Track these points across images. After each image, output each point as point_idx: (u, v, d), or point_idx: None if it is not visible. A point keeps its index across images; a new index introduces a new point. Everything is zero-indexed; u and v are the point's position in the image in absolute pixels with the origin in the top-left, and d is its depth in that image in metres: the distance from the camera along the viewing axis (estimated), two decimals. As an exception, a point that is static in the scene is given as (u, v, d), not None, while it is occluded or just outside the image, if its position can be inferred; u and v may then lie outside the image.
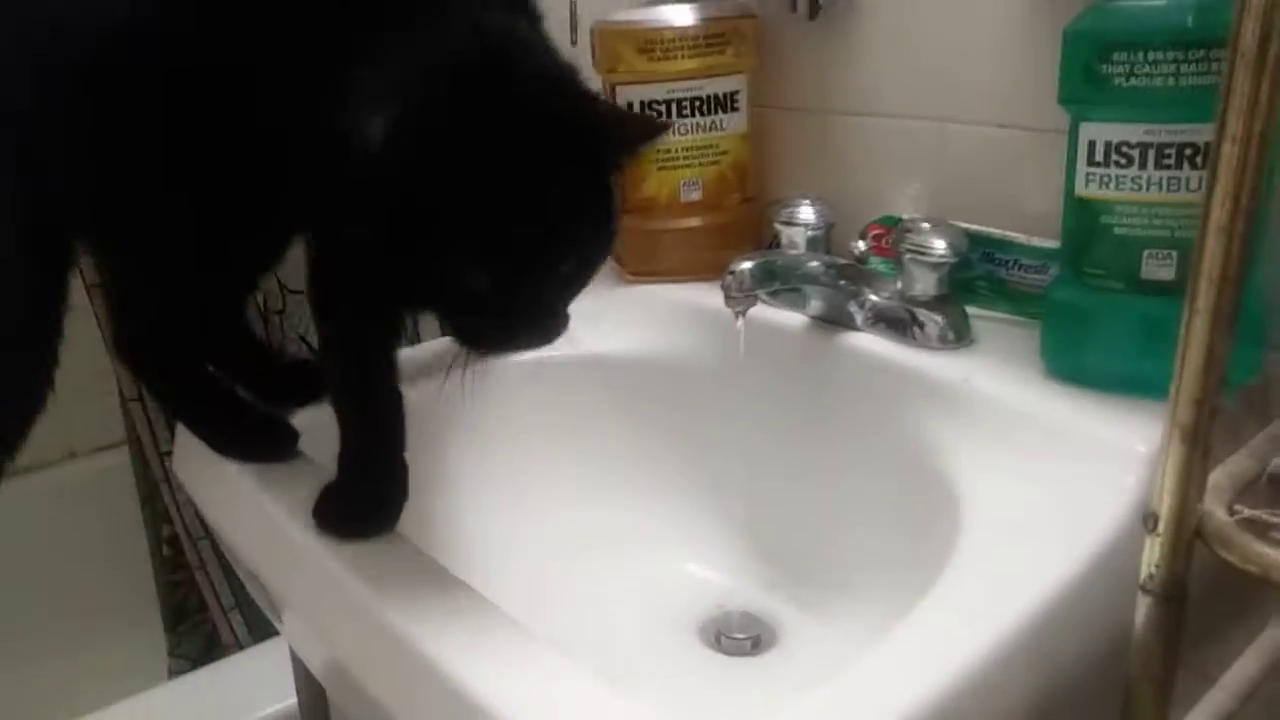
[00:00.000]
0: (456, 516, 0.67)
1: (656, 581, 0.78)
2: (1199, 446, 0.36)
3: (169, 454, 1.06)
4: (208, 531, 1.09)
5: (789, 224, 0.78)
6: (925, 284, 0.70)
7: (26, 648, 1.48)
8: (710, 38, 0.82)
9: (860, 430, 0.71)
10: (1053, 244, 0.67)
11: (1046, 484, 0.56)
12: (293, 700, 0.95)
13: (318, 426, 0.66)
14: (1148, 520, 0.38)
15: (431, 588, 0.50)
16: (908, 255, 0.70)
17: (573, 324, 0.52)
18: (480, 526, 0.71)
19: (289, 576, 0.58)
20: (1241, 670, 0.50)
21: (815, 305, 0.76)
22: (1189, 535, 0.37)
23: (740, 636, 0.73)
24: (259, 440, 0.63)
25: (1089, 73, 0.56)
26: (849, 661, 0.44)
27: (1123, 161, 0.57)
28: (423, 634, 0.46)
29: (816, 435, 0.74)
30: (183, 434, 0.69)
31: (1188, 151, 0.55)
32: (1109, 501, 0.53)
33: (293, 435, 0.63)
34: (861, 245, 0.78)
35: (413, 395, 0.59)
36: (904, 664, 0.44)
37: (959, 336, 0.70)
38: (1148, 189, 0.57)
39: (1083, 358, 0.62)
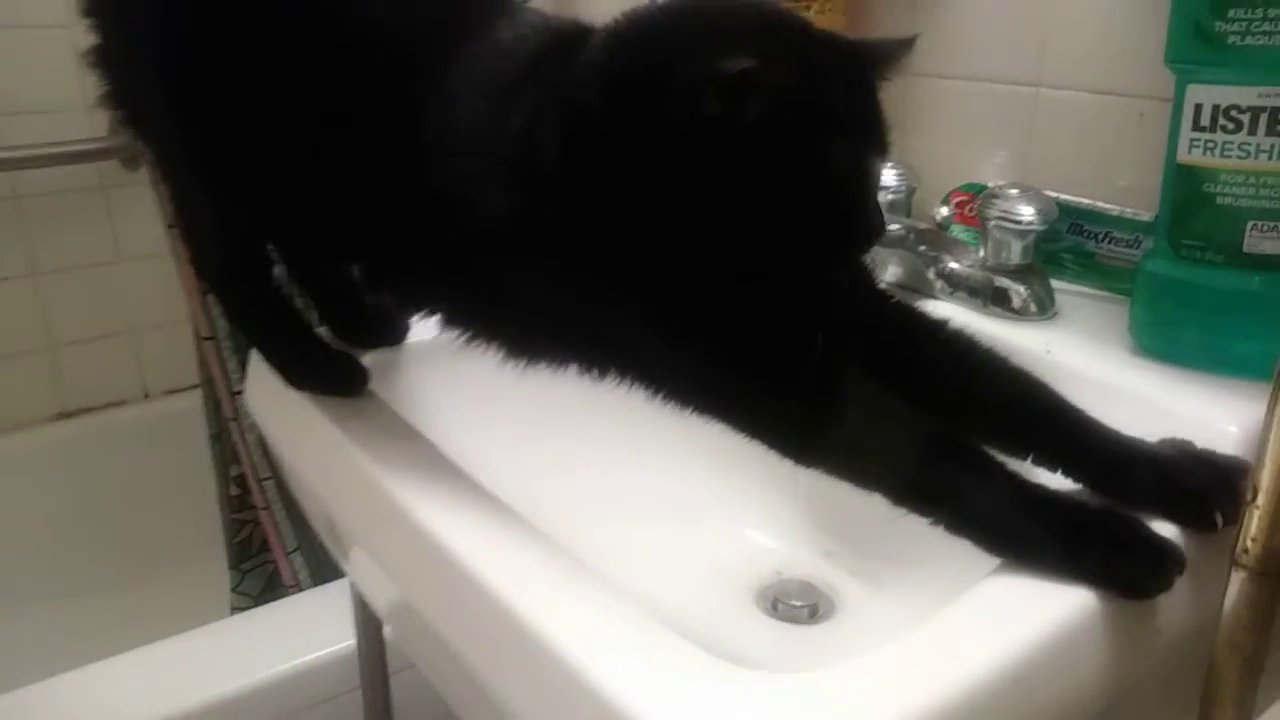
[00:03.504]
0: (528, 479, 0.67)
1: (717, 546, 0.78)
2: (1308, 415, 0.34)
3: (239, 393, 1.08)
4: (274, 472, 1.11)
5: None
6: (1010, 252, 0.68)
7: (95, 580, 1.55)
8: (798, -3, 0.81)
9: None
10: (1147, 217, 0.64)
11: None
12: (350, 642, 0.97)
13: (385, 366, 0.67)
14: (1246, 491, 0.36)
15: (499, 527, 0.50)
16: (994, 222, 0.68)
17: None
18: (552, 489, 0.71)
19: (355, 508, 0.58)
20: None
21: (893, 271, 0.74)
22: (1291, 508, 0.36)
23: (798, 604, 0.73)
24: (334, 375, 0.64)
25: (1200, 30, 0.54)
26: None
27: (1231, 126, 0.54)
28: (487, 568, 0.46)
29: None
30: (255, 367, 0.70)
31: (1304, 117, 0.52)
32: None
33: (364, 373, 0.64)
34: (944, 211, 0.77)
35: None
36: (970, 632, 0.43)
37: (1042, 308, 0.68)
38: (1256, 156, 0.54)
39: (1175, 334, 0.60)
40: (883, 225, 0.49)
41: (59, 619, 1.47)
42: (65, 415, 1.62)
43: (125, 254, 1.62)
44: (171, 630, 1.05)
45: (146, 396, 1.69)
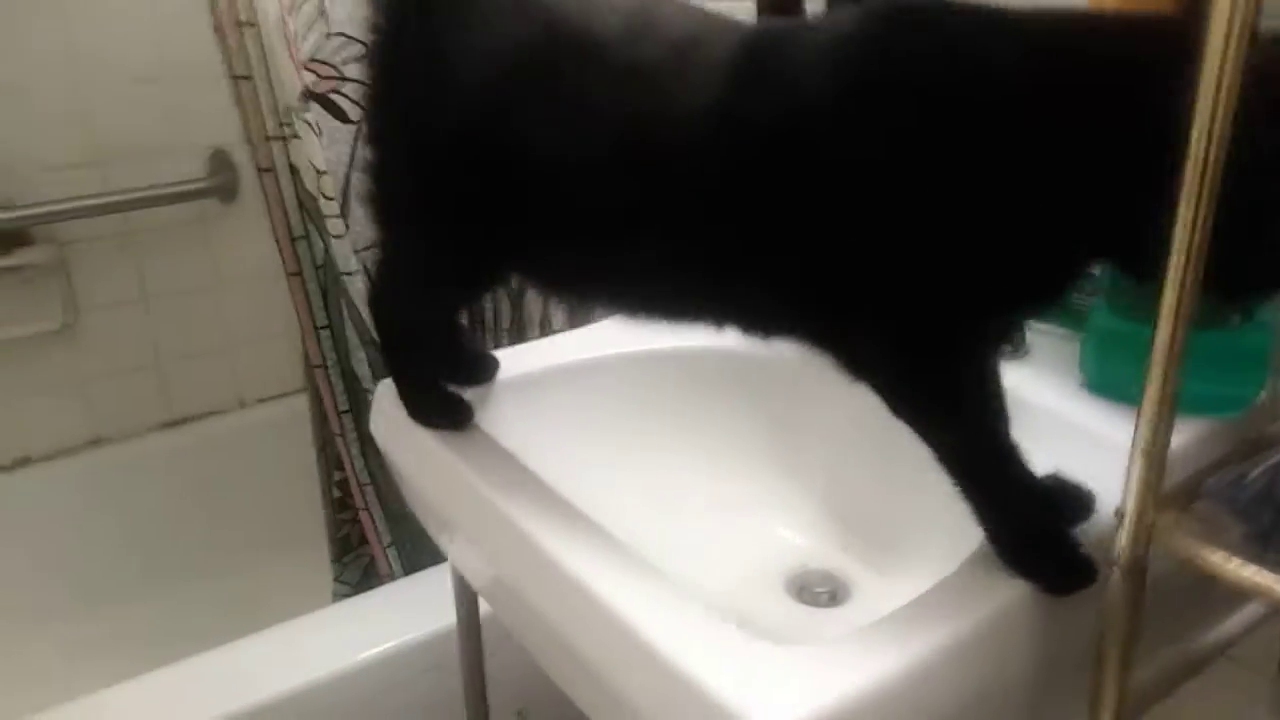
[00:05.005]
0: (592, 489, 0.76)
1: (750, 541, 0.88)
2: (1154, 463, 0.49)
3: (346, 412, 1.22)
4: (373, 478, 1.26)
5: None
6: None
7: (212, 570, 1.69)
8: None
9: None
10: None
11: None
12: (440, 624, 1.11)
13: (478, 400, 0.82)
14: (1118, 513, 0.51)
15: (575, 524, 0.66)
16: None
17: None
18: (612, 496, 0.79)
19: (463, 513, 0.74)
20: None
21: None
22: (1146, 528, 0.50)
23: (820, 590, 0.84)
24: (448, 412, 0.79)
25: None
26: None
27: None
28: (567, 554, 0.62)
29: (884, 420, 0.83)
30: (378, 403, 0.86)
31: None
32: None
33: (470, 412, 0.79)
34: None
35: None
36: (945, 602, 0.58)
37: (1015, 348, 0.81)
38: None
39: (1115, 375, 0.73)
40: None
41: (168, 610, 1.60)
42: (170, 424, 1.78)
43: (223, 279, 1.78)
44: (282, 617, 1.14)
45: (242, 405, 1.85)
